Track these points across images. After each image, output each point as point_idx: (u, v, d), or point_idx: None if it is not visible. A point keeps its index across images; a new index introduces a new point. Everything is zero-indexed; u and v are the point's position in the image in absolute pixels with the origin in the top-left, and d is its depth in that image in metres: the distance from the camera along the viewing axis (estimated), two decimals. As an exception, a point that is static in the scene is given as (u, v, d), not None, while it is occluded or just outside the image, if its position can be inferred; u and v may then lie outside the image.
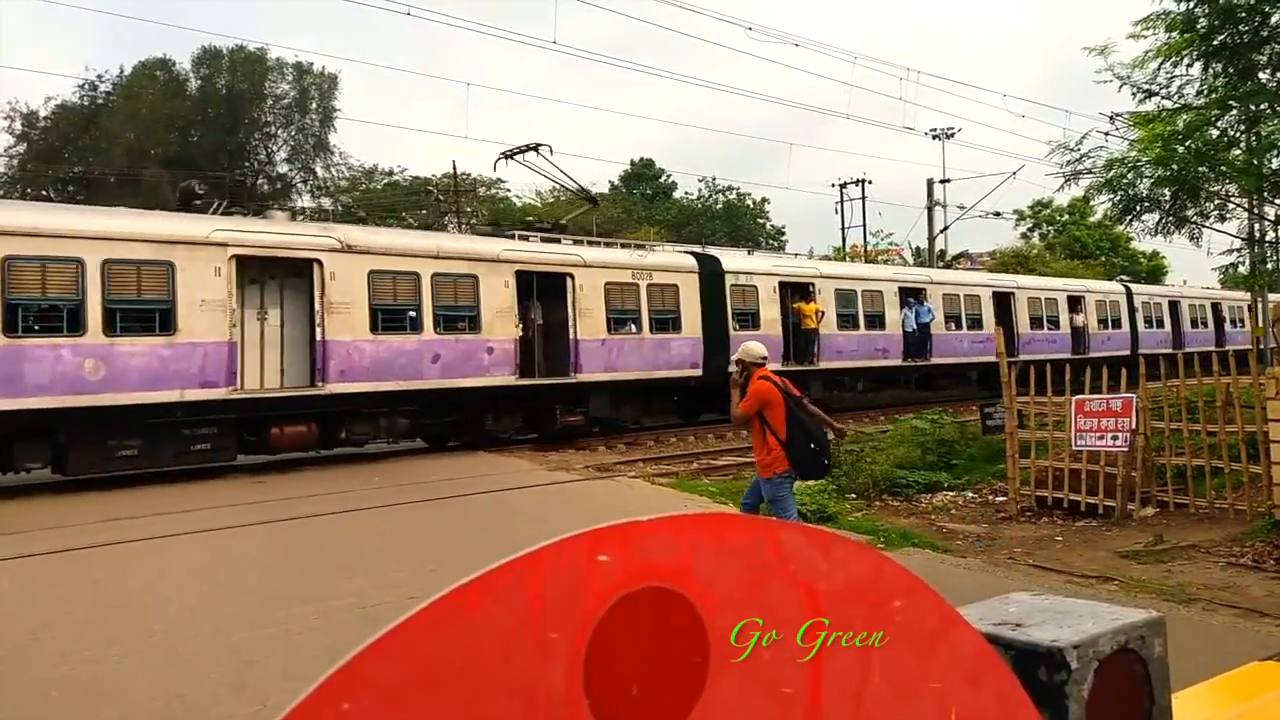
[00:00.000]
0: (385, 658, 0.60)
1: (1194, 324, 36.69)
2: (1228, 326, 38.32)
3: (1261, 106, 15.09)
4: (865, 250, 50.65)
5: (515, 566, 0.65)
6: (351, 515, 11.33)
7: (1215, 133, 16.03)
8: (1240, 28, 14.50)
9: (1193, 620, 6.58)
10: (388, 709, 0.59)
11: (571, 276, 19.71)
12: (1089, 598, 1.15)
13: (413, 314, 17.21)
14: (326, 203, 50.68)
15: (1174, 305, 36.01)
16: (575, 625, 0.66)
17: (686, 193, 65.78)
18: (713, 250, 25.25)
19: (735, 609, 0.73)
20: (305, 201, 50.18)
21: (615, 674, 0.67)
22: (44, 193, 41.83)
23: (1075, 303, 31.60)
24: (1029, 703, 0.91)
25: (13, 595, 8.00)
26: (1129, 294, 33.94)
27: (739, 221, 62.11)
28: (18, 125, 44.91)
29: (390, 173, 54.60)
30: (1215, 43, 14.64)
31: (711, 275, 22.20)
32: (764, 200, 65.52)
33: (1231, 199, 18.43)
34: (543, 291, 19.60)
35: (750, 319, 22.58)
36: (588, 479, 14.57)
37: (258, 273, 16.02)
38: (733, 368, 8.25)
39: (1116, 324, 32.69)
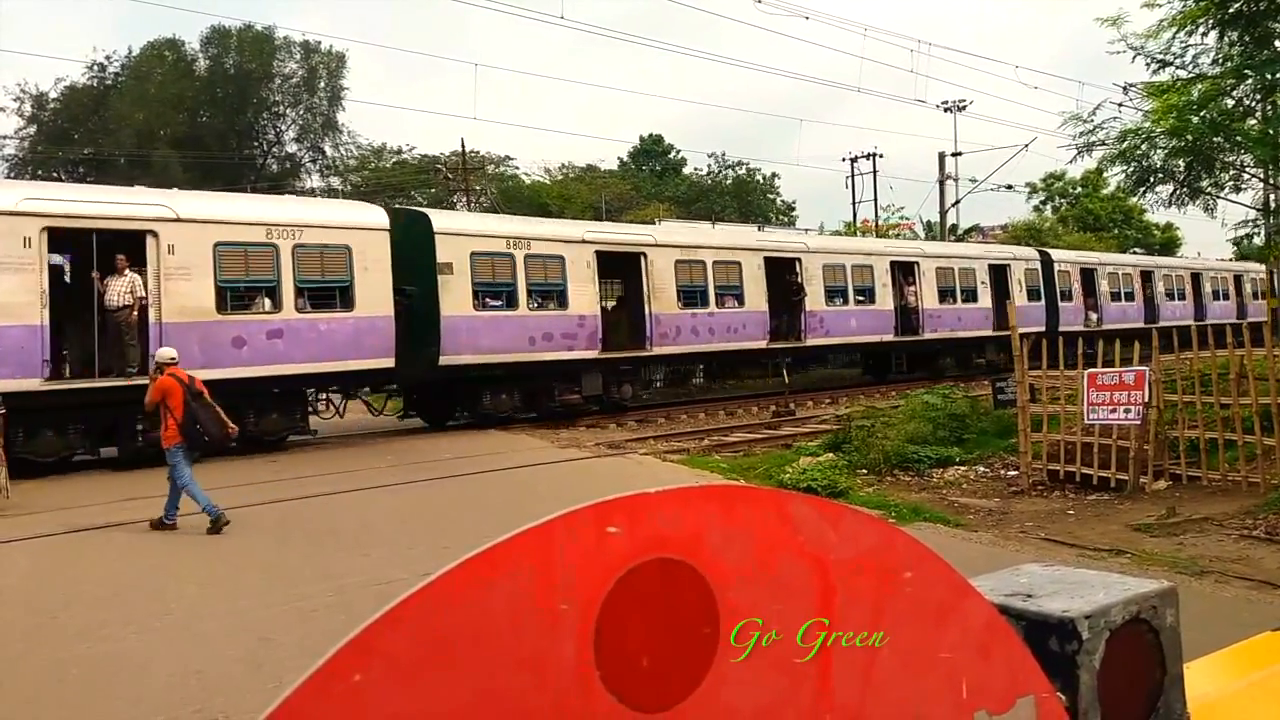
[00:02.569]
0: (396, 630, 0.60)
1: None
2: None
3: (1277, 75, 14.89)
4: (876, 225, 50.37)
5: (525, 538, 0.65)
6: (364, 493, 11.39)
7: (1230, 102, 15.84)
8: (1257, -6, 14.30)
9: (1205, 592, 6.57)
10: (398, 680, 0.60)
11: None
12: (1101, 570, 1.15)
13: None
14: (336, 182, 50.64)
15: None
16: (585, 596, 0.66)
17: (696, 169, 65.48)
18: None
19: (745, 580, 0.73)
20: (315, 181, 50.20)
21: (626, 645, 0.67)
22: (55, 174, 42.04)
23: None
24: (1040, 673, 0.91)
25: (32, 575, 8.08)
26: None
27: (749, 198, 61.79)
28: (27, 107, 44.95)
29: (399, 151, 54.44)
30: (1231, 10, 14.44)
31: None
32: (774, 176, 65.18)
33: (1247, 169, 18.23)
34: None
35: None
36: (598, 456, 14.61)
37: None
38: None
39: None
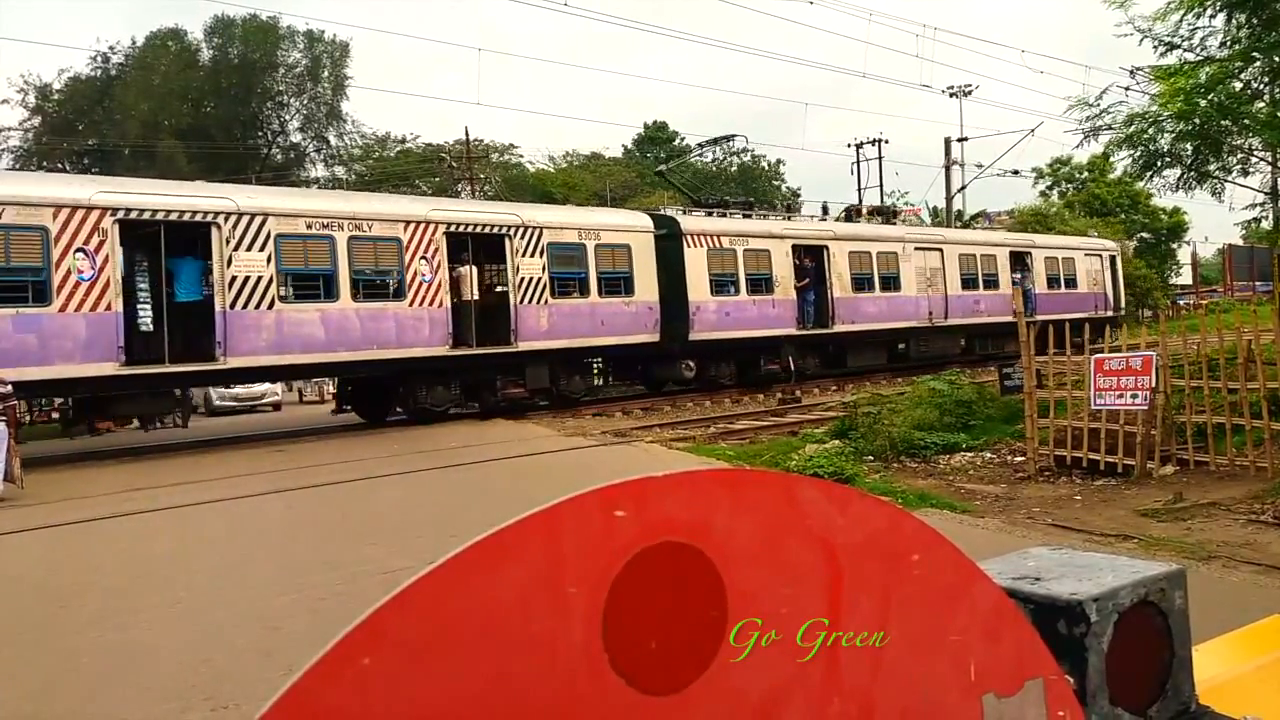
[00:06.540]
0: (405, 613, 0.61)
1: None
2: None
3: (1286, 58, 14.77)
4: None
5: (533, 522, 0.65)
6: (372, 482, 11.43)
7: (1238, 85, 15.72)
8: (1265, -24, 14.16)
9: (1213, 577, 6.56)
10: (407, 663, 0.60)
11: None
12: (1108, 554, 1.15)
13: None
14: (340, 171, 50.62)
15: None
16: (593, 580, 0.66)
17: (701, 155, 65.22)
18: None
19: (752, 563, 0.73)
20: (319, 171, 50.18)
21: (634, 628, 0.67)
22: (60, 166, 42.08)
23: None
24: (1048, 655, 0.91)
25: (43, 565, 8.13)
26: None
27: (754, 184, 61.66)
28: (31, 98, 44.94)
29: (403, 140, 54.39)
30: (1239, -8, 14.32)
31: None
32: (779, 162, 65.04)
33: (1255, 153, 18.12)
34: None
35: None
36: (604, 444, 14.62)
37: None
38: None
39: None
